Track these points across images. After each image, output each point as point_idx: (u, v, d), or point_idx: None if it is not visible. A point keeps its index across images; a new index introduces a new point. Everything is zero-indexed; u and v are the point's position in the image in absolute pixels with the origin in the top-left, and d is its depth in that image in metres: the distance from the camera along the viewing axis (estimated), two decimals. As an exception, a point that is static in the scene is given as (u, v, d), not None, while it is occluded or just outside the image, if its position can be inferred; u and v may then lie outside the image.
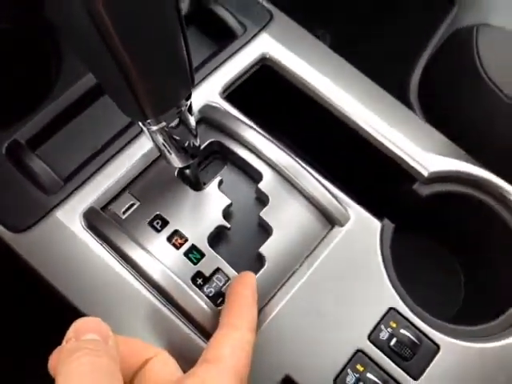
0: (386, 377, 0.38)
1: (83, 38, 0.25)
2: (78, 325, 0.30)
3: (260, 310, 0.40)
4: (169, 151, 0.37)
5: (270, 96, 0.51)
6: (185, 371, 0.32)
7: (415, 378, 0.38)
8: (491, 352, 0.40)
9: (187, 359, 0.37)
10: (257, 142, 0.44)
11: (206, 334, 0.38)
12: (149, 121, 0.33)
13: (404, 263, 0.48)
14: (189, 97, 0.34)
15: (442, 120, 0.59)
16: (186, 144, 0.37)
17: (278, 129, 0.47)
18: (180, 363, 0.36)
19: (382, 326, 0.39)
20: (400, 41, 0.82)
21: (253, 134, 0.44)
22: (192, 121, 0.36)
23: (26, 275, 0.41)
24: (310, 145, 0.48)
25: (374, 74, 0.51)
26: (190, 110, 0.35)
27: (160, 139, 0.36)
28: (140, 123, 0.34)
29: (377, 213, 0.45)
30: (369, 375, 0.37)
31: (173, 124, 0.34)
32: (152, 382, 0.31)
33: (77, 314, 0.39)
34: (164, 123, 0.33)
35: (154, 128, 0.33)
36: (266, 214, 0.42)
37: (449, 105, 0.67)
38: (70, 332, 0.29)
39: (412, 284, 0.44)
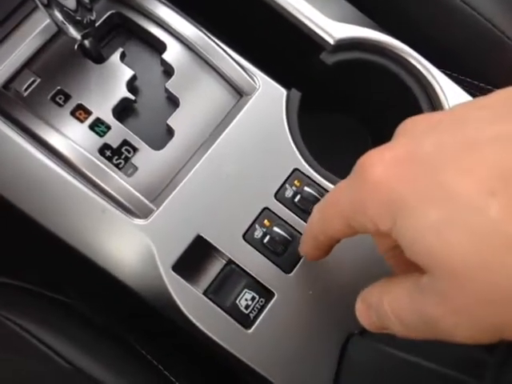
0: (290, 229, 0.40)
1: None
2: None
3: (172, 179, 0.41)
4: (63, 23, 0.37)
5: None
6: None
7: (318, 230, 0.41)
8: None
9: (102, 232, 0.38)
10: (160, 12, 0.43)
11: (120, 203, 0.39)
12: None
13: (320, 138, 0.50)
14: None
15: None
16: (84, 20, 0.37)
17: (183, 2, 0.46)
18: (98, 234, 0.38)
19: (287, 185, 0.41)
20: None
21: (155, 4, 0.43)
22: None
23: None
24: (216, 16, 0.47)
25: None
26: None
27: (56, 13, 0.36)
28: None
29: (286, 84, 0.45)
30: (275, 229, 0.40)
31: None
32: None
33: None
34: None
35: None
36: (171, 85, 0.42)
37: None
38: None
39: (325, 154, 0.46)
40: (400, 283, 0.27)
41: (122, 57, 0.42)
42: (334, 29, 0.46)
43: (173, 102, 0.43)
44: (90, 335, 0.40)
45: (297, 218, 0.41)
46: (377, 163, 0.25)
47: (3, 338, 0.36)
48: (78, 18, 0.37)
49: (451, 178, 0.23)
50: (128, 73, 0.41)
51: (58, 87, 0.41)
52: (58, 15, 0.37)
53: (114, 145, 0.40)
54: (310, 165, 0.42)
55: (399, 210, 0.24)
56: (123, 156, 0.41)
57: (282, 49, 0.47)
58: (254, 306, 0.39)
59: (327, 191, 0.42)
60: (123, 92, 0.41)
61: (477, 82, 0.54)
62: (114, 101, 0.41)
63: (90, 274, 0.42)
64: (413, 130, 0.26)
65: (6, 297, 0.42)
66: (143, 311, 0.41)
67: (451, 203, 0.22)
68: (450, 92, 0.47)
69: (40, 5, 0.36)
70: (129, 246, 0.39)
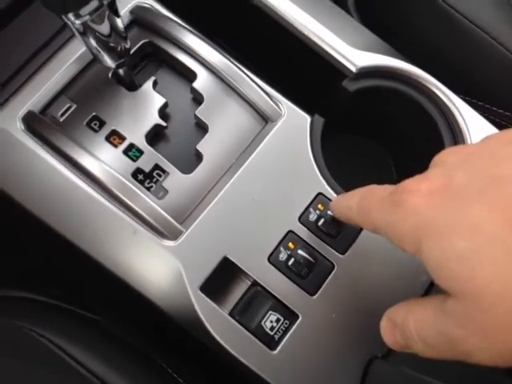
0: (314, 252, 0.42)
1: None
2: None
3: (200, 201, 0.43)
4: (98, 51, 0.39)
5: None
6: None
7: (341, 253, 0.42)
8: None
9: (133, 252, 0.40)
10: (190, 42, 0.45)
11: (150, 225, 0.41)
12: (71, 15, 0.34)
13: (341, 161, 0.52)
14: None
15: (379, 27, 0.61)
16: (118, 47, 0.39)
17: (211, 31, 0.48)
18: (129, 253, 0.40)
19: (311, 209, 0.43)
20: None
21: (186, 34, 0.45)
22: (119, 22, 0.37)
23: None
24: (243, 44, 0.49)
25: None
26: (112, 8, 0.36)
27: (91, 41, 0.37)
28: (65, 19, 0.35)
29: (309, 110, 0.47)
30: (299, 251, 0.41)
31: (97, 20, 0.35)
32: None
33: (25, 212, 0.41)
34: (87, 17, 0.34)
35: (78, 22, 0.34)
36: (201, 112, 0.44)
37: (386, 13, 0.68)
38: None
39: (347, 178, 0.47)
40: (425, 304, 0.28)
41: (154, 85, 0.44)
42: (355, 57, 0.48)
43: (202, 128, 0.45)
44: (119, 353, 0.42)
45: (321, 241, 0.42)
46: (414, 192, 0.27)
47: (37, 354, 0.38)
48: (112, 44, 0.39)
49: (477, 211, 0.24)
50: (160, 100, 0.43)
51: (93, 113, 0.43)
52: (93, 43, 0.38)
53: (146, 169, 0.42)
54: (333, 189, 0.44)
55: (425, 234, 0.26)
56: (154, 179, 0.42)
57: (305, 76, 0.49)
58: (278, 328, 0.40)
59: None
60: (155, 119, 0.43)
61: (495, 108, 0.55)
62: (147, 127, 0.43)
63: (118, 292, 0.43)
64: (446, 162, 0.28)
65: (36, 314, 0.44)
66: (170, 330, 0.42)
67: (476, 234, 0.24)
68: (468, 117, 0.48)
69: (76, 33, 0.37)
70: (158, 266, 0.41)
